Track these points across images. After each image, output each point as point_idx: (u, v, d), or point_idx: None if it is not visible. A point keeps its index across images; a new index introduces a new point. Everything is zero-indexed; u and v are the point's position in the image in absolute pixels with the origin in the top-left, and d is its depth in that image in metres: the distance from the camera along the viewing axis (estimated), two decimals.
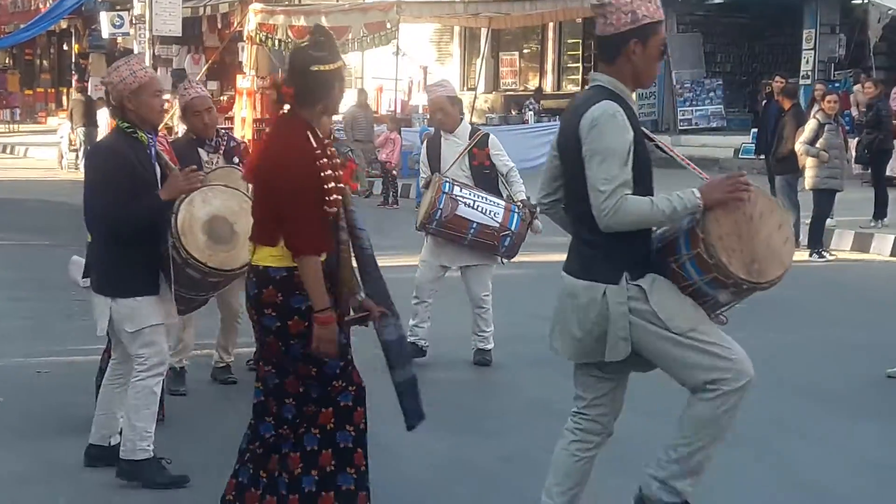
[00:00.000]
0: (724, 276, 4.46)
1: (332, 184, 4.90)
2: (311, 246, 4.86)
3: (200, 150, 7.64)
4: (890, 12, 21.73)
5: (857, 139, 17.18)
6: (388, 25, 24.27)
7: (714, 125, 26.53)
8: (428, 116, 25.68)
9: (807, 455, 6.71)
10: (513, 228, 8.51)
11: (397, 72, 25.88)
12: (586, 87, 4.75)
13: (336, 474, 5.03)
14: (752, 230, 4.50)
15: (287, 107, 5.00)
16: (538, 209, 5.89)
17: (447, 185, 8.52)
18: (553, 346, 4.82)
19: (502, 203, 8.60)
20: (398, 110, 26.60)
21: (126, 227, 5.78)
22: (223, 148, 7.76)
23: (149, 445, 5.91)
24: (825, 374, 8.59)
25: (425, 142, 9.20)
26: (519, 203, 8.62)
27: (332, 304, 4.90)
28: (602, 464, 5.02)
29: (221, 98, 29.05)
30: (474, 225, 8.44)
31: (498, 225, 8.47)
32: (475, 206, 8.50)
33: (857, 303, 11.55)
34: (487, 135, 8.92)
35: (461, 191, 8.54)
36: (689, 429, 4.62)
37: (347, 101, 22.48)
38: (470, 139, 8.73)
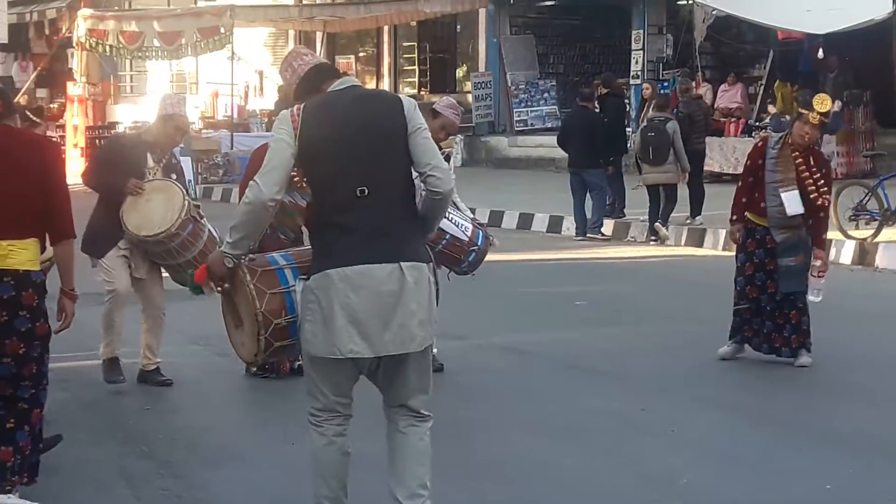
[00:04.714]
0: None
1: None
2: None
3: None
4: (714, 12, 22.32)
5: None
6: (222, 30, 24.11)
7: (549, 125, 26.87)
8: (265, 121, 25.57)
9: (653, 447, 6.89)
10: (479, 244, 8.27)
11: (233, 76, 25.68)
12: (345, 86, 4.88)
13: None
14: None
15: None
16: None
17: None
18: (377, 348, 4.52)
19: (468, 216, 8.44)
20: (235, 115, 26.39)
21: None
22: None
23: None
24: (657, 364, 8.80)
25: None
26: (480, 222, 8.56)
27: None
28: None
29: (52, 105, 28.43)
30: (447, 237, 8.06)
31: (467, 239, 8.20)
32: (449, 217, 8.00)
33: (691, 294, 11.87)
34: None
35: None
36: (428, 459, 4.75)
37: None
38: None
